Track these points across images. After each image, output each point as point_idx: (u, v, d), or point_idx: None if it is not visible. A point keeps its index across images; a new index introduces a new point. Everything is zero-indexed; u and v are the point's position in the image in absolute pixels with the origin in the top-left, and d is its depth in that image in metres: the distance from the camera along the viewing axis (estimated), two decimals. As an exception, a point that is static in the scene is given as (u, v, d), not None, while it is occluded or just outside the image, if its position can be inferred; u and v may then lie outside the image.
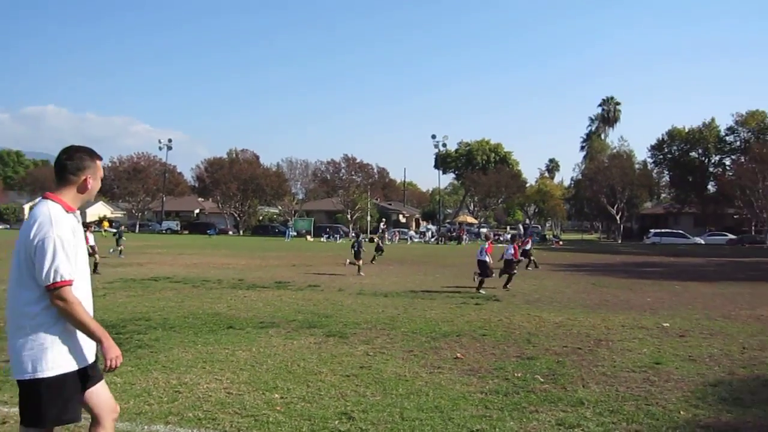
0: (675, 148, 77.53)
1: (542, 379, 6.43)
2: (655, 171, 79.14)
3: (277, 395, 5.74)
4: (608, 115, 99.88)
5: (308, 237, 62.36)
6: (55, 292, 2.90)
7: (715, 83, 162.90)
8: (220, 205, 77.54)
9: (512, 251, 16.82)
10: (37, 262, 2.91)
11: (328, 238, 59.20)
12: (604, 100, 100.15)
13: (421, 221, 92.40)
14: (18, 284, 2.99)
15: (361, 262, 20.89)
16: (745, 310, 12.50)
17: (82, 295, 3.06)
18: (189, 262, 23.79)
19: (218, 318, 10.32)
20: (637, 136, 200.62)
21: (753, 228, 66.00)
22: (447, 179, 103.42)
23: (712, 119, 75.95)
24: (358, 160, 77.75)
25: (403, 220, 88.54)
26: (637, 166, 76.75)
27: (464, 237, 58.48)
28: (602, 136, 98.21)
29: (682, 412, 5.39)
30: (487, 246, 16.55)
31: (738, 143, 73.72)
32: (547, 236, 61.70)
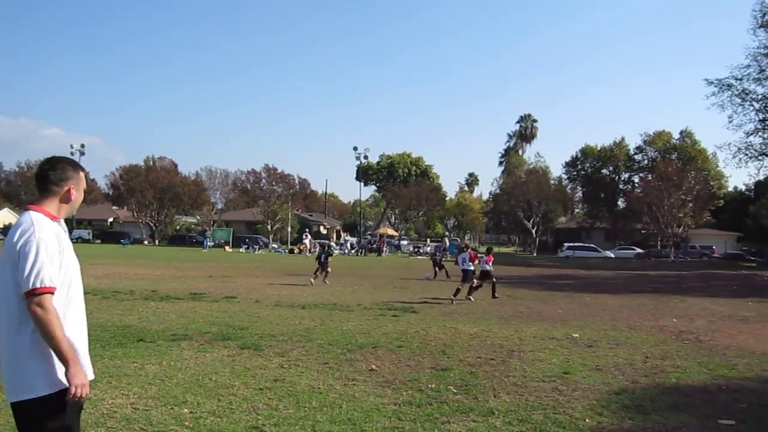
0: (588, 165, 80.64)
1: (455, 390, 6.51)
2: (569, 187, 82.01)
3: (186, 410, 5.59)
4: (526, 131, 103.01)
5: (227, 247, 61.17)
6: (34, 299, 2.66)
7: (626, 104, 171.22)
8: (135, 214, 75.04)
9: (490, 264, 17.70)
10: (20, 266, 2.71)
11: (248, 248, 58.33)
12: (522, 117, 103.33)
13: (342, 233, 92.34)
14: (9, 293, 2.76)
15: (329, 270, 21.89)
16: (649, 321, 13.07)
17: (76, 307, 2.91)
18: (100, 273, 22.88)
19: (128, 330, 9.97)
20: (552, 153, 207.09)
21: (659, 242, 69.22)
22: (368, 191, 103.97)
23: (622, 138, 79.58)
24: (279, 171, 77.02)
25: (324, 231, 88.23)
26: (552, 181, 79.28)
27: (384, 249, 58.83)
28: (520, 152, 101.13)
29: (587, 420, 5.57)
30: (469, 255, 17.56)
31: (646, 162, 77.34)
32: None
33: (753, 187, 64.66)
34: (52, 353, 2.73)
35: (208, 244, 59.87)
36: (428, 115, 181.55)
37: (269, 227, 69.17)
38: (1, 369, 2.82)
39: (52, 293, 2.72)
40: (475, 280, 16.94)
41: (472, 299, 16.56)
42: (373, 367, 7.58)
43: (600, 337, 10.64)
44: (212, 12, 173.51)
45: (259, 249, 58.62)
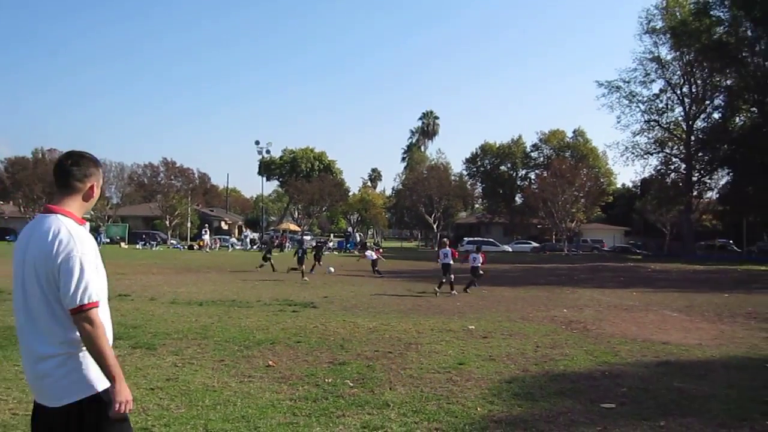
0: (487, 161, 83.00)
1: (352, 384, 6.54)
2: (469, 183, 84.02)
3: (69, 413, 5.32)
4: (428, 128, 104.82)
5: (122, 244, 58.86)
6: (82, 315, 2.58)
7: (523, 103, 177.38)
8: (22, 209, 70.80)
9: (480, 259, 18.72)
10: (63, 282, 2.58)
11: (144, 245, 56.27)
12: (424, 113, 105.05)
13: (244, 228, 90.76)
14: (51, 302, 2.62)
15: (303, 267, 22.99)
16: (541, 312, 13.60)
17: (105, 318, 2.73)
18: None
19: (10, 332, 9.39)
20: (454, 149, 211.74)
21: (554, 237, 72.15)
22: (271, 186, 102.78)
23: (520, 136, 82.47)
24: (178, 164, 74.75)
25: (225, 227, 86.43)
26: (453, 177, 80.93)
27: (287, 244, 58.26)
28: (422, 148, 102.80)
29: (479, 409, 5.73)
30: (450, 251, 18.26)
31: (541, 159, 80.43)
32: (368, 244, 63.03)
33: (639, 184, 68.45)
34: (84, 362, 2.67)
35: (103, 240, 57.30)
36: (332, 110, 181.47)
37: (168, 223, 66.98)
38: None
39: (98, 307, 2.65)
40: (452, 276, 17.66)
41: (455, 293, 17.23)
42: (270, 363, 7.50)
43: (495, 328, 10.97)
44: (106, 2, 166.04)
45: (156, 245, 56.69)
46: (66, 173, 2.83)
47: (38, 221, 2.79)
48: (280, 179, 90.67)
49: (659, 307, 15.07)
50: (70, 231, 2.67)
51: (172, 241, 62.30)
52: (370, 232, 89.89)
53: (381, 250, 58.92)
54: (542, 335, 10.27)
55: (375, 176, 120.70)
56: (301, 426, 5.10)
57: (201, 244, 54.17)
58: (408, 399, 6.01)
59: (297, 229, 77.72)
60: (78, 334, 2.61)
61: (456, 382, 6.75)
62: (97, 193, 2.93)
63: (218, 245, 57.05)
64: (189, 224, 68.37)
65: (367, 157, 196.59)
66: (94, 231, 65.96)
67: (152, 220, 73.28)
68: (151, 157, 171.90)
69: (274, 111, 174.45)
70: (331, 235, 78.58)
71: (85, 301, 2.58)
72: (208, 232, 57.16)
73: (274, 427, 5.05)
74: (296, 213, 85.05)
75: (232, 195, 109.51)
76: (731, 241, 58.12)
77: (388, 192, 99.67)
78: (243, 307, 13.35)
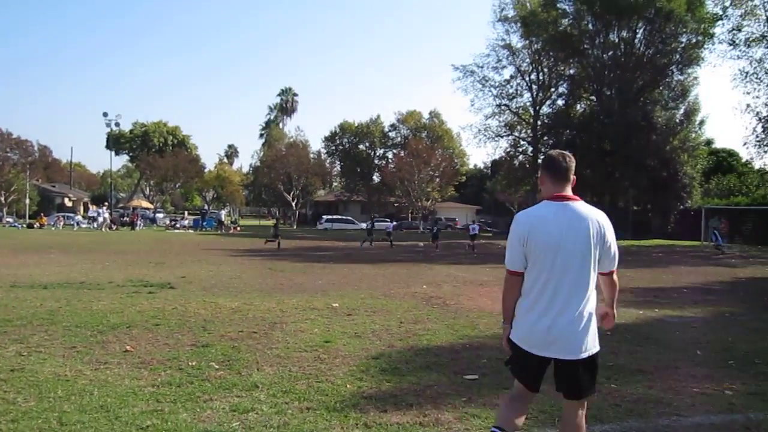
0: (346, 140, 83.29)
1: (217, 366, 6.34)
2: (328, 161, 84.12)
3: None
4: (286, 105, 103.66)
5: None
6: (614, 273, 3.66)
7: (382, 84, 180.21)
8: None
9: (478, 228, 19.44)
10: (612, 249, 3.53)
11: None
12: (282, 90, 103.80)
13: (90, 205, 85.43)
14: (586, 271, 3.44)
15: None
16: (402, 288, 13.91)
17: None
18: None
19: None
20: (313, 127, 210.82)
21: (410, 215, 74.05)
22: (120, 161, 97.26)
23: (378, 116, 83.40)
24: (14, 136, 68.70)
25: (69, 204, 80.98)
26: (312, 155, 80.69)
27: (138, 222, 55.56)
28: (280, 125, 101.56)
29: (348, 386, 5.76)
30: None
31: (399, 139, 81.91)
32: (224, 221, 61.39)
33: (490, 165, 71.76)
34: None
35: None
36: (186, 84, 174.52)
37: (3, 199, 61.68)
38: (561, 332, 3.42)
39: None
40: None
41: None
42: (128, 348, 7.10)
43: (358, 305, 11.07)
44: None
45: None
46: (569, 169, 3.61)
47: (580, 208, 3.54)
48: (131, 154, 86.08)
49: (511, 282, 15.88)
50: (599, 212, 3.54)
51: (8, 220, 57.50)
52: (226, 210, 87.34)
53: (239, 228, 57.98)
54: (405, 311, 10.50)
55: (231, 153, 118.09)
56: (167, 413, 4.86)
57: (42, 221, 50.41)
58: (277, 379, 5.91)
59: (149, 206, 74.41)
60: None
61: (324, 360, 6.74)
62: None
63: (62, 223, 53.30)
64: (28, 201, 63.39)
65: (224, 133, 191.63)
66: None
67: (-16, 197, 67.16)
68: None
69: (124, 82, 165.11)
70: (185, 212, 75.88)
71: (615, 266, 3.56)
72: (101, 210, 53.23)
73: (137, 416, 4.78)
74: (148, 189, 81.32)
75: (77, 170, 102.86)
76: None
77: (246, 169, 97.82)
78: (93, 289, 12.54)
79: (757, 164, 52.79)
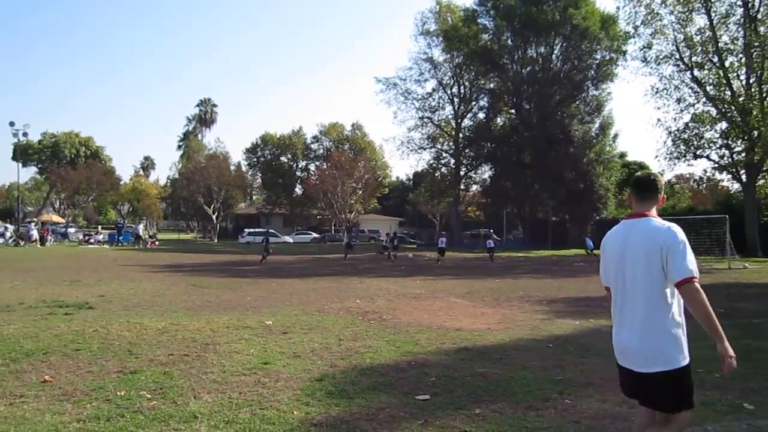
0: (268, 152, 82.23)
1: (149, 396, 5.80)
2: (249, 173, 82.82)
3: None
4: (205, 116, 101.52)
5: None
6: (684, 286, 3.34)
7: (304, 96, 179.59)
8: None
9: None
10: (672, 263, 3.38)
11: None
12: (201, 100, 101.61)
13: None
14: (649, 284, 3.46)
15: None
16: (335, 303, 13.53)
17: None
18: None
19: None
20: (233, 139, 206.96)
21: (333, 227, 73.62)
22: (28, 173, 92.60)
23: (300, 128, 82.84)
24: None
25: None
26: (233, 167, 79.21)
27: (48, 238, 52.77)
28: (199, 137, 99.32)
29: (295, 412, 5.36)
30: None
31: (321, 151, 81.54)
32: (142, 236, 59.23)
33: (412, 177, 72.33)
34: (683, 329, 3.49)
35: None
36: (100, 93, 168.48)
37: None
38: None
39: (697, 280, 3.36)
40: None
41: None
42: (47, 377, 6.43)
43: (293, 322, 10.63)
44: None
45: None
46: (651, 187, 3.75)
47: (650, 224, 3.62)
48: (39, 165, 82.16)
49: (444, 294, 15.81)
50: (672, 227, 3.51)
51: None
52: (142, 224, 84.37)
53: (157, 242, 56.02)
54: (342, 327, 10.14)
55: (148, 164, 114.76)
56: (96, 452, 4.35)
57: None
58: (217, 408, 5.45)
59: (60, 220, 71.06)
60: None
61: (265, 384, 6.31)
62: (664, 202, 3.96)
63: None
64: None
65: (140, 144, 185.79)
66: None
67: None
68: None
69: (32, 90, 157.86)
70: (99, 227, 72.81)
71: (687, 276, 3.35)
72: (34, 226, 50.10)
73: (62, 457, 4.26)
74: (58, 203, 77.69)
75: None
76: (492, 231, 63.70)
77: (163, 181, 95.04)
78: (2, 311, 11.55)
79: (667, 176, 55.37)
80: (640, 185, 3.74)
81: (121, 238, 54.30)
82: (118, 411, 5.29)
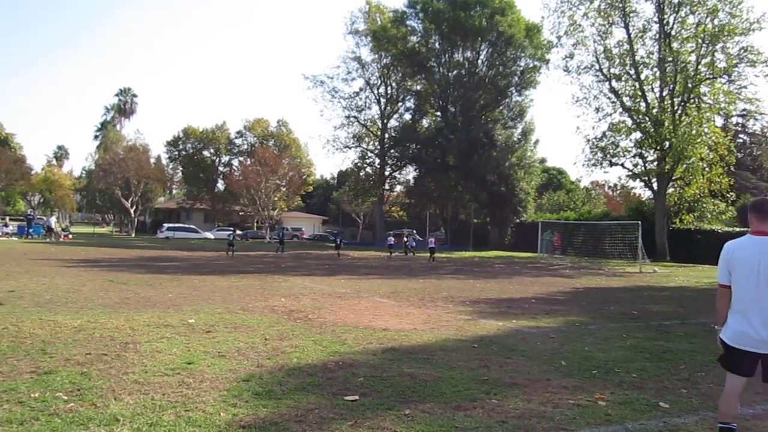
0: (190, 145, 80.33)
1: (66, 397, 5.53)
2: (170, 166, 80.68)
3: None
4: (125, 106, 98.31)
5: None
6: None
7: (229, 89, 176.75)
8: None
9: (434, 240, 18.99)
10: None
11: None
12: (121, 90, 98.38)
13: None
14: None
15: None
16: (260, 302, 13.32)
17: None
18: None
19: None
20: (154, 131, 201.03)
21: (255, 224, 72.63)
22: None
23: (224, 122, 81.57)
24: None
25: None
26: (152, 160, 77.01)
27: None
28: (118, 127, 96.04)
29: (222, 414, 5.23)
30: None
31: (245, 146, 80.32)
32: (54, 228, 56.75)
33: (336, 176, 72.23)
34: None
35: None
36: (10, 77, 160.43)
37: None
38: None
39: None
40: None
41: None
42: (-48, 378, 6.07)
43: (216, 321, 10.40)
44: None
45: None
46: None
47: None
48: (-59, 152, 77.52)
49: (369, 294, 15.82)
50: None
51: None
52: (55, 216, 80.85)
53: (71, 236, 53.76)
54: (267, 326, 9.99)
55: (62, 154, 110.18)
56: (9, 458, 4.12)
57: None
58: (139, 410, 5.25)
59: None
60: None
61: (189, 385, 6.13)
62: None
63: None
64: None
65: (53, 133, 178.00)
66: None
67: None
68: None
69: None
70: (7, 218, 69.30)
71: None
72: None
73: (-29, 464, 4.00)
74: (-38, 193, 73.51)
75: None
76: (415, 231, 64.34)
77: (78, 172, 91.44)
78: None
79: (585, 182, 57.48)
80: (762, 209, 4.59)
81: (31, 230, 51.82)
82: (32, 414, 5.03)
